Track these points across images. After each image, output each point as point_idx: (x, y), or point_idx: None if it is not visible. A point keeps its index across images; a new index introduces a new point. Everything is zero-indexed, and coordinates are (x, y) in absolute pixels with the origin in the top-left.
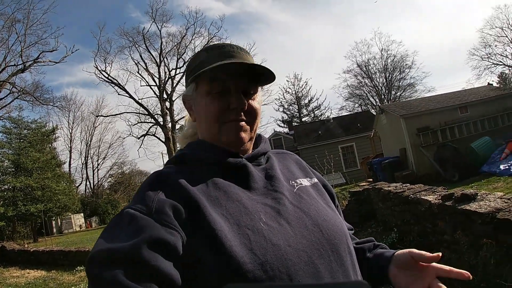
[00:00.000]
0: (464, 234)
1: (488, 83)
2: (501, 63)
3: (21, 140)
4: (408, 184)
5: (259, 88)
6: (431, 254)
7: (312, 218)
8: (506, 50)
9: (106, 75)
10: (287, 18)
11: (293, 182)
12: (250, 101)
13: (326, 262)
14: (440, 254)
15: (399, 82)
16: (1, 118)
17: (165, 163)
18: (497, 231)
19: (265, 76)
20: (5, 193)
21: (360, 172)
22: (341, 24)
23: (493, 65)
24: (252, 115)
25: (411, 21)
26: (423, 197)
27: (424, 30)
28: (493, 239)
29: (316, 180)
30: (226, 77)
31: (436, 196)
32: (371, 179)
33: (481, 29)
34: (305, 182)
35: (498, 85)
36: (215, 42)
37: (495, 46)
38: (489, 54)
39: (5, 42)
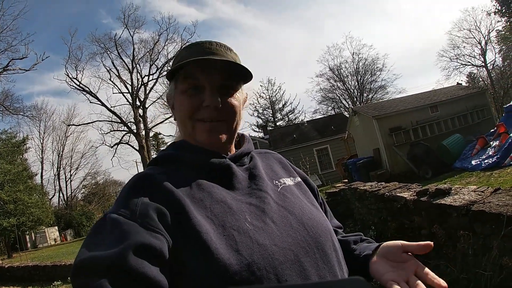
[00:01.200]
0: (441, 227)
1: (457, 82)
2: (469, 64)
3: None
4: (383, 183)
5: (240, 85)
6: (423, 243)
7: (297, 217)
8: (474, 51)
9: (78, 83)
10: (259, 24)
11: (277, 182)
12: (226, 98)
13: (312, 260)
14: (432, 243)
15: (371, 84)
16: None
17: (147, 163)
18: (473, 222)
19: (242, 73)
20: None
21: (335, 173)
22: (313, 29)
23: (461, 66)
24: (228, 113)
25: (381, 25)
26: (398, 194)
27: (393, 33)
28: (470, 230)
29: (299, 179)
30: (200, 74)
31: (411, 192)
32: (346, 180)
33: (449, 31)
34: (289, 181)
35: (467, 85)
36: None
37: (464, 47)
38: (458, 55)
39: None
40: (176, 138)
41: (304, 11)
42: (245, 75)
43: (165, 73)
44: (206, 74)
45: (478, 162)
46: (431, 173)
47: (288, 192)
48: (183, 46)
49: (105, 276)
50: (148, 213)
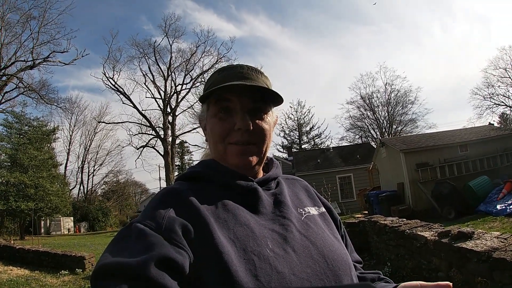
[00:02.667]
0: (459, 272)
1: (489, 122)
2: (503, 104)
3: (21, 136)
4: (404, 219)
5: (270, 108)
6: (443, 283)
7: (318, 248)
8: (508, 91)
9: (113, 83)
10: (294, 46)
11: (301, 210)
12: (257, 121)
13: None
14: (451, 284)
15: (401, 116)
16: (4, 112)
17: (175, 178)
18: (492, 270)
19: (273, 96)
20: None
21: (356, 203)
22: (346, 56)
23: (495, 105)
24: (259, 136)
25: (415, 57)
26: (419, 233)
27: (427, 67)
28: (488, 278)
29: (323, 209)
30: (231, 97)
31: (432, 232)
32: (366, 212)
33: (485, 69)
34: (313, 211)
35: (498, 125)
36: (229, 64)
37: (498, 86)
38: (492, 94)
39: (18, 37)
40: (205, 156)
41: (339, 38)
42: (276, 98)
43: (198, 84)
44: (237, 98)
45: (503, 207)
46: (454, 214)
47: (312, 221)
48: (216, 69)
49: (125, 282)
50: (173, 228)
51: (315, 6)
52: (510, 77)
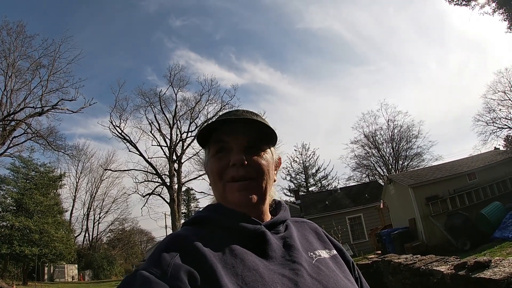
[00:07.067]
0: None
1: (495, 147)
2: (506, 127)
3: (27, 181)
4: (419, 255)
5: (270, 148)
6: None
7: None
8: (510, 113)
9: (120, 131)
10: (295, 90)
11: (312, 254)
12: (254, 157)
13: None
14: None
15: (406, 151)
16: (12, 156)
17: (182, 223)
18: None
19: (268, 135)
20: (2, 230)
21: (368, 244)
22: (347, 97)
23: (498, 129)
24: (256, 171)
25: (415, 92)
26: (435, 268)
27: (428, 100)
28: None
29: (335, 252)
30: (227, 137)
31: (448, 266)
32: (379, 251)
33: (484, 94)
34: (324, 253)
35: (504, 149)
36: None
37: (499, 110)
38: (494, 118)
39: (27, 84)
40: (212, 201)
41: (338, 80)
42: (270, 138)
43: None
44: (233, 138)
45: None
46: (470, 245)
47: (323, 265)
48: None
49: None
50: (179, 276)
51: (311, 51)
52: (510, 99)
